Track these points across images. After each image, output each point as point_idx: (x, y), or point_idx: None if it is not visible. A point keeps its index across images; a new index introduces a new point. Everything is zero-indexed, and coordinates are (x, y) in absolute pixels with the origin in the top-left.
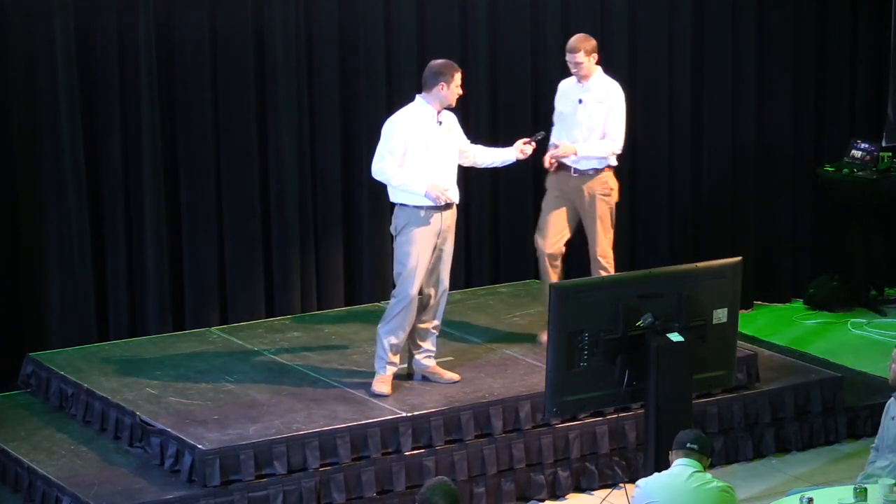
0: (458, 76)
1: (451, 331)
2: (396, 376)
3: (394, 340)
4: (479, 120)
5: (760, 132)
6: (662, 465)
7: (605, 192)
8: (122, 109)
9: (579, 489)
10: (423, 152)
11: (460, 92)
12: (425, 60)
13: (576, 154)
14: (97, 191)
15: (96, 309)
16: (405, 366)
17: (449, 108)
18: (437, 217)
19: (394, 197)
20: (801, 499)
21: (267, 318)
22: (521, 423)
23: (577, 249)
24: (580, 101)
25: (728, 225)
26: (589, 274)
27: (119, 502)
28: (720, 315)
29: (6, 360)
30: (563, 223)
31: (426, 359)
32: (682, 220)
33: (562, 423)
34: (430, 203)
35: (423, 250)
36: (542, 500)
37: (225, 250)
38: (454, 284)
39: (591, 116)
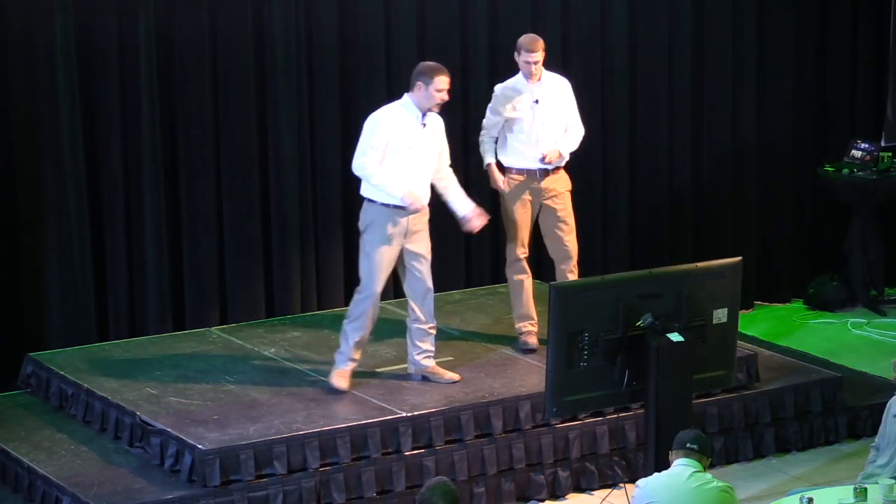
0: (440, 80)
1: (451, 331)
2: (397, 376)
3: (357, 337)
4: (479, 120)
5: (760, 132)
6: (662, 465)
7: (570, 188)
8: (122, 109)
9: (579, 489)
10: (404, 152)
11: (444, 97)
12: (425, 60)
13: (560, 155)
14: (97, 191)
15: (96, 309)
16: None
17: (438, 111)
18: (405, 218)
19: (364, 191)
20: (801, 499)
21: (267, 318)
22: (521, 423)
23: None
24: (536, 102)
25: (728, 225)
26: (553, 275)
27: (119, 502)
28: (720, 315)
29: (6, 360)
30: (531, 230)
31: (425, 359)
32: (682, 220)
33: (562, 423)
34: (396, 202)
35: (388, 248)
36: (542, 500)
37: (225, 250)
38: (454, 284)
39: (554, 114)
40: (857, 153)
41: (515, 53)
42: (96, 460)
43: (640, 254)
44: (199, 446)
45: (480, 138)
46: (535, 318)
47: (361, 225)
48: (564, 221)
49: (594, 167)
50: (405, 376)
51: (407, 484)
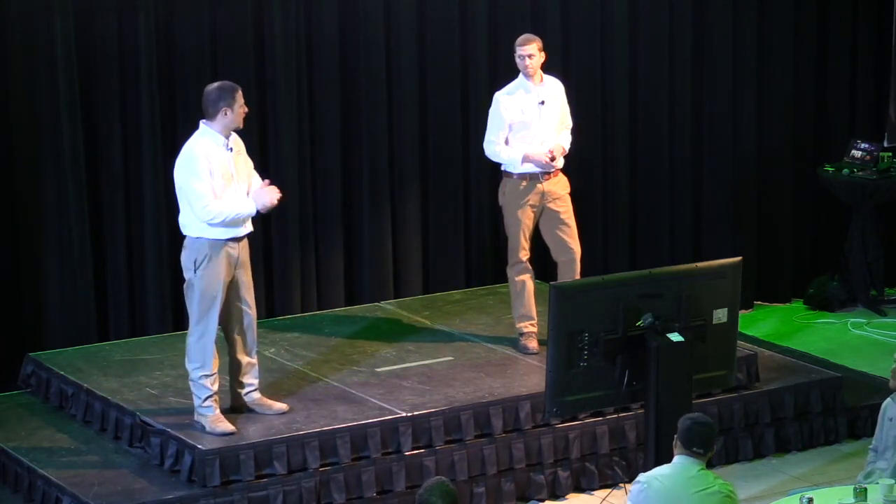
0: (239, 96)
1: (451, 331)
2: (397, 376)
3: (208, 381)
4: (479, 119)
5: (761, 132)
6: (663, 464)
7: (569, 190)
8: (123, 109)
9: (579, 489)
10: (228, 183)
11: (246, 109)
12: (425, 60)
13: (565, 152)
14: (97, 191)
15: (96, 309)
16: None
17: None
18: (234, 248)
19: (191, 231)
20: (801, 499)
21: (267, 318)
22: (521, 423)
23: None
24: (542, 103)
25: (728, 225)
26: (555, 276)
27: (119, 502)
28: (720, 315)
29: (6, 360)
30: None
31: (250, 393)
32: (682, 220)
33: (562, 423)
34: (230, 234)
35: (222, 282)
36: (542, 500)
37: None
38: (454, 284)
39: (555, 114)
40: (857, 153)
41: (514, 54)
42: (96, 460)
43: (640, 254)
44: (199, 446)
45: (494, 150)
46: (536, 318)
47: (193, 263)
48: (567, 224)
49: (594, 167)
50: (405, 376)
51: (407, 484)
